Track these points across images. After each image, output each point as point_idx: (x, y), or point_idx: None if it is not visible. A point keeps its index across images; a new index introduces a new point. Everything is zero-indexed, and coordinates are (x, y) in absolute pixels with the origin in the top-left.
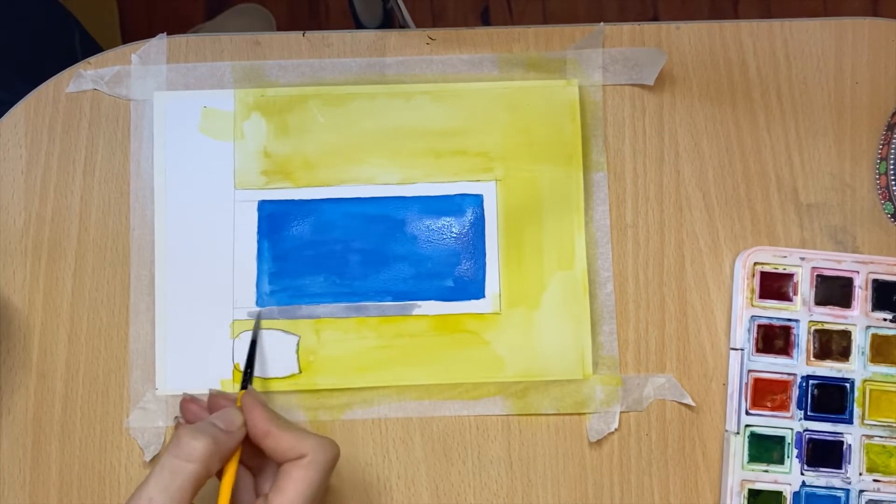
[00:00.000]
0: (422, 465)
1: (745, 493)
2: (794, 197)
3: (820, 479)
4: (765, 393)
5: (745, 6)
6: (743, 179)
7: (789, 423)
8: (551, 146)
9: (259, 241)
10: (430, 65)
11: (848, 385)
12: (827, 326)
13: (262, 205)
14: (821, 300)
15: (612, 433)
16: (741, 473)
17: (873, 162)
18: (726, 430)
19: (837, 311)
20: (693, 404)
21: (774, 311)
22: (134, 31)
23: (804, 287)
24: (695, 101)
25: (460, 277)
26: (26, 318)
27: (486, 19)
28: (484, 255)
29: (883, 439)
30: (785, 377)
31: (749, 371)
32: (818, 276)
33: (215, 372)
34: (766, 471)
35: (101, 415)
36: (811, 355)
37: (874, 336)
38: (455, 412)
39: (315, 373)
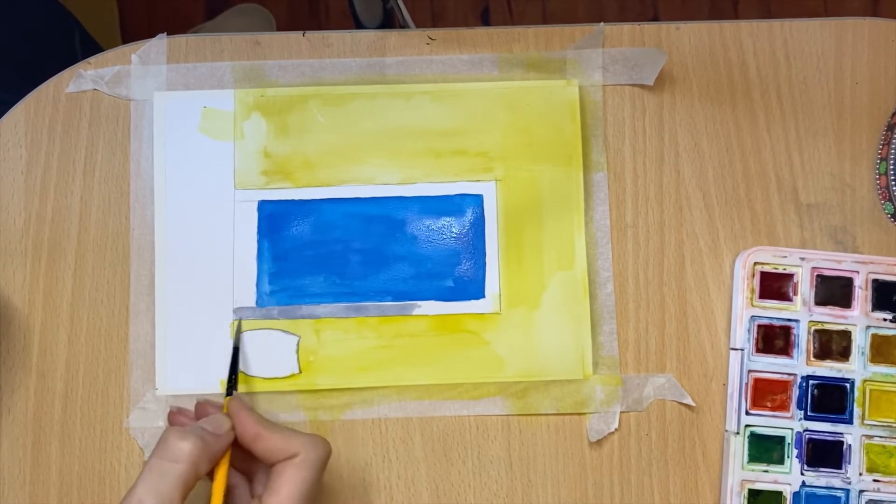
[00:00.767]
0: (422, 465)
1: (745, 493)
2: (794, 197)
3: (820, 479)
4: (765, 393)
5: (745, 6)
6: (743, 179)
7: (789, 423)
8: (551, 146)
9: (259, 241)
10: (430, 65)
11: (848, 385)
12: (827, 326)
13: (262, 205)
14: (821, 300)
15: (612, 433)
16: (741, 473)
17: (873, 162)
18: (726, 430)
19: (837, 311)
20: (693, 404)
21: (774, 311)
22: (134, 31)
23: (804, 287)
24: (695, 101)
25: (460, 277)
26: (26, 318)
27: (486, 19)
28: (484, 255)
29: (883, 439)
30: (785, 377)
31: (749, 371)
32: (818, 276)
33: (215, 372)
34: (766, 471)
35: (101, 415)
36: (811, 355)
37: (874, 336)
38: (455, 412)
39: (315, 373)
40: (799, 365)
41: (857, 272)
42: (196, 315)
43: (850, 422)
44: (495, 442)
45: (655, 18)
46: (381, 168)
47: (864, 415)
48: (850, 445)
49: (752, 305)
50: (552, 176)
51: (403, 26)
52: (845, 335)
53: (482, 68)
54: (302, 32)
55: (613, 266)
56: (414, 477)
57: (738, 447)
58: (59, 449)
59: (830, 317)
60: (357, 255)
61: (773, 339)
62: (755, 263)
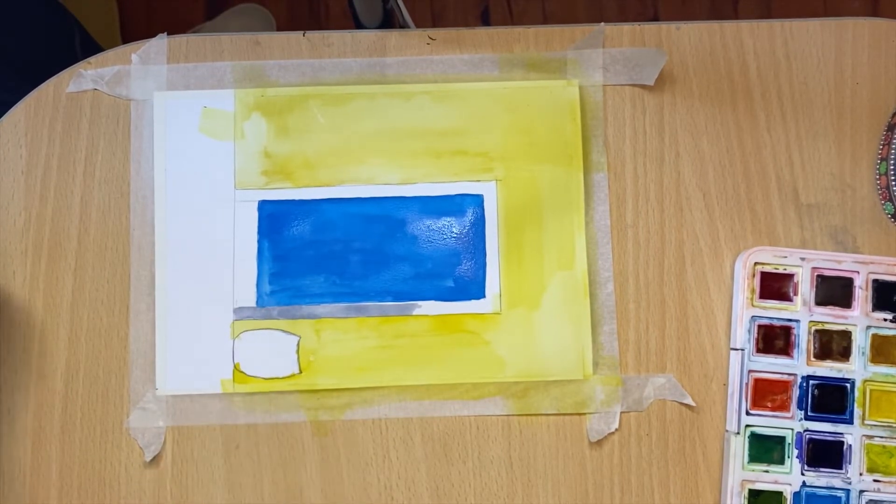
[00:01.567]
0: (422, 466)
1: (746, 493)
2: (794, 197)
3: (820, 479)
4: (765, 393)
5: (745, 6)
6: (743, 180)
7: (790, 424)
8: (551, 146)
9: (259, 241)
10: (430, 65)
11: (848, 385)
12: (827, 326)
13: (263, 205)
14: (821, 300)
15: (613, 433)
16: (741, 473)
17: (873, 162)
18: (726, 431)
19: (838, 311)
20: (693, 404)
21: (775, 311)
22: (134, 31)
23: (804, 287)
24: (695, 102)
25: (460, 277)
26: (26, 318)
27: (486, 19)
28: (484, 255)
29: (883, 439)
30: (785, 377)
31: (749, 371)
32: (818, 276)
33: (216, 372)
34: (767, 471)
35: (101, 415)
36: (811, 355)
37: (874, 336)
38: (455, 412)
39: (315, 373)
40: (799, 365)
41: (858, 272)
42: (196, 315)
43: (850, 422)
44: (495, 442)
45: (655, 18)
46: (382, 168)
47: (864, 415)
48: (850, 445)
49: (753, 305)
50: (552, 176)
51: (403, 26)
52: (845, 335)
53: (482, 68)
54: (302, 32)
55: (614, 266)
56: (414, 477)
57: (739, 447)
58: (59, 449)
59: (831, 317)
60: (357, 255)
61: (774, 339)
62: (755, 263)
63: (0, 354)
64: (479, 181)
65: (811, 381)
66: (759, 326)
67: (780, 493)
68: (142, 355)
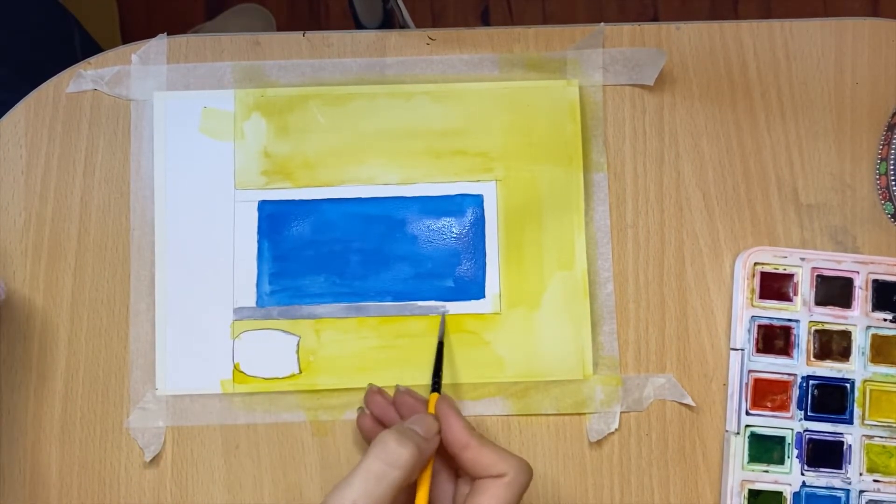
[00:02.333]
0: None
1: (746, 493)
2: (794, 197)
3: (820, 479)
4: (765, 393)
5: (745, 6)
6: (743, 179)
7: (789, 424)
8: (551, 146)
9: (259, 242)
10: (430, 65)
11: (848, 385)
12: (827, 327)
13: (263, 205)
14: (821, 300)
15: (613, 433)
16: (741, 474)
17: (873, 162)
18: (726, 431)
19: (837, 311)
20: (693, 404)
21: (775, 311)
22: (134, 31)
23: (804, 287)
24: (695, 102)
25: (460, 277)
26: (26, 318)
27: (486, 19)
28: (484, 255)
29: (883, 439)
30: (785, 377)
31: (749, 371)
32: (818, 276)
33: (215, 372)
34: (767, 471)
35: (101, 415)
36: (811, 355)
37: (874, 336)
38: None
39: (315, 373)
40: (799, 365)
41: (858, 272)
42: (196, 315)
43: (850, 422)
44: (496, 442)
45: (655, 18)
46: (382, 168)
47: (864, 415)
48: (850, 446)
49: (753, 305)
50: (552, 176)
51: (403, 26)
52: (845, 335)
53: (482, 68)
54: (302, 32)
55: (613, 266)
56: None
57: (739, 447)
58: (59, 449)
59: (830, 317)
60: (357, 255)
61: (774, 339)
62: (755, 263)
63: (0, 354)
64: (478, 181)
65: (811, 381)
66: (759, 326)
67: (779, 493)
68: (142, 355)
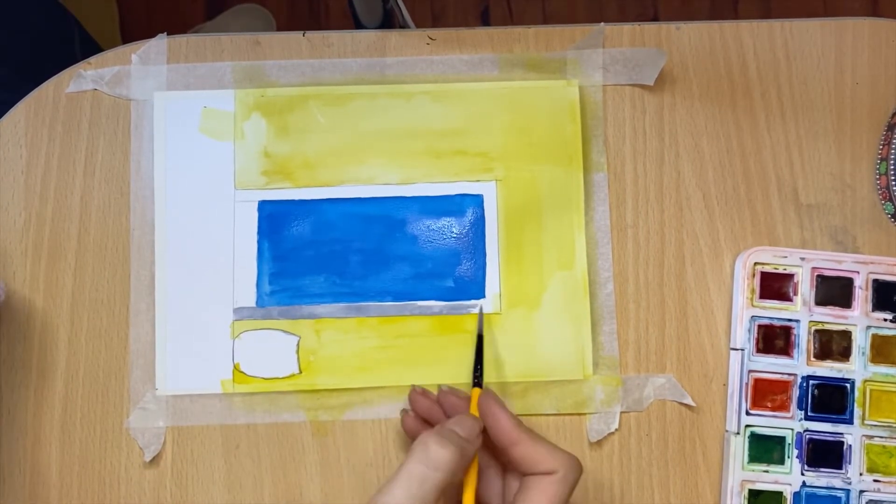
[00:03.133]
0: None
1: (746, 493)
2: (794, 197)
3: (820, 479)
4: (765, 393)
5: (745, 6)
6: (743, 179)
7: (789, 424)
8: (551, 146)
9: (259, 242)
10: (430, 65)
11: (848, 385)
12: (827, 326)
13: (263, 205)
14: (821, 300)
15: (613, 433)
16: (741, 474)
17: (873, 162)
18: (726, 431)
19: (838, 311)
20: (693, 404)
21: (775, 311)
22: (134, 31)
23: (804, 287)
24: (695, 102)
25: (460, 277)
26: (26, 319)
27: (486, 19)
28: (484, 255)
29: (883, 439)
30: (785, 377)
31: (749, 371)
32: (818, 276)
33: (215, 372)
34: (767, 471)
35: (101, 415)
36: (811, 355)
37: (874, 336)
38: None
39: (315, 373)
40: (799, 365)
41: (858, 272)
42: (196, 315)
43: (850, 422)
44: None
45: (655, 18)
46: (382, 168)
47: (864, 415)
48: (850, 446)
49: (753, 305)
50: (552, 176)
51: (403, 26)
52: (845, 335)
53: (482, 68)
54: (302, 32)
55: (613, 266)
56: None
57: (739, 447)
58: (59, 449)
59: (831, 317)
60: (357, 255)
61: (774, 339)
62: (755, 263)
63: (0, 354)
64: (478, 181)
65: (811, 381)
66: (759, 326)
67: (780, 493)
68: (142, 355)
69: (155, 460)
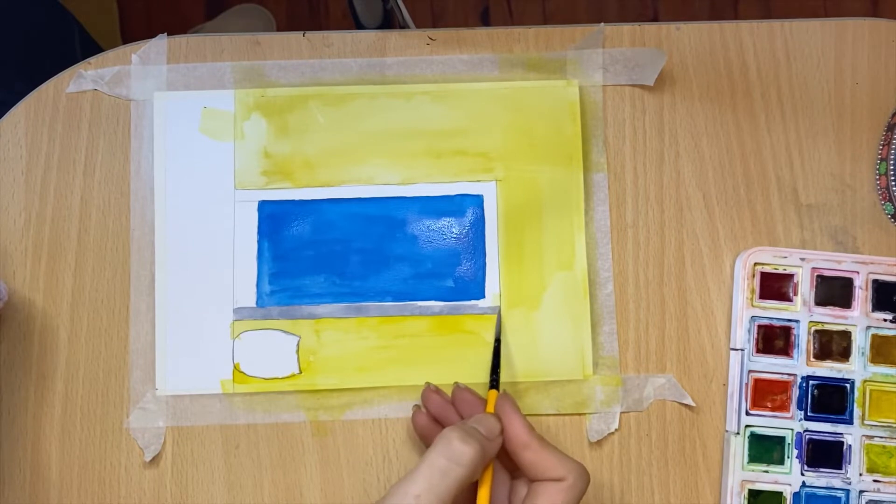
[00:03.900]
0: None
1: (746, 493)
2: (794, 197)
3: (820, 479)
4: (765, 393)
5: (745, 6)
6: (743, 180)
7: (789, 424)
8: (551, 146)
9: (259, 242)
10: (430, 65)
11: (848, 385)
12: (827, 327)
13: (263, 205)
14: (821, 300)
15: (613, 433)
16: (741, 474)
17: (873, 162)
18: (726, 431)
19: (837, 311)
20: (693, 405)
21: (774, 311)
22: (134, 31)
23: (804, 287)
24: (695, 102)
25: (460, 277)
26: (26, 318)
27: (486, 20)
28: (484, 255)
29: (883, 440)
30: (785, 377)
31: (749, 371)
32: (818, 276)
33: (215, 372)
34: (767, 471)
35: (101, 415)
36: (811, 356)
37: (874, 336)
38: None
39: (315, 373)
40: (799, 365)
41: (858, 272)
42: (196, 315)
43: (850, 422)
44: None
45: (655, 18)
46: (382, 168)
47: (864, 415)
48: (850, 446)
49: (753, 306)
50: (552, 176)
51: (403, 26)
52: (845, 335)
53: (482, 69)
54: (302, 33)
55: (613, 266)
56: None
57: (738, 447)
58: (59, 449)
59: (830, 317)
60: (357, 255)
61: (774, 339)
62: (755, 264)
63: (0, 354)
64: (479, 181)
65: (811, 382)
66: (759, 327)
67: (779, 494)
68: (142, 355)
69: (155, 460)
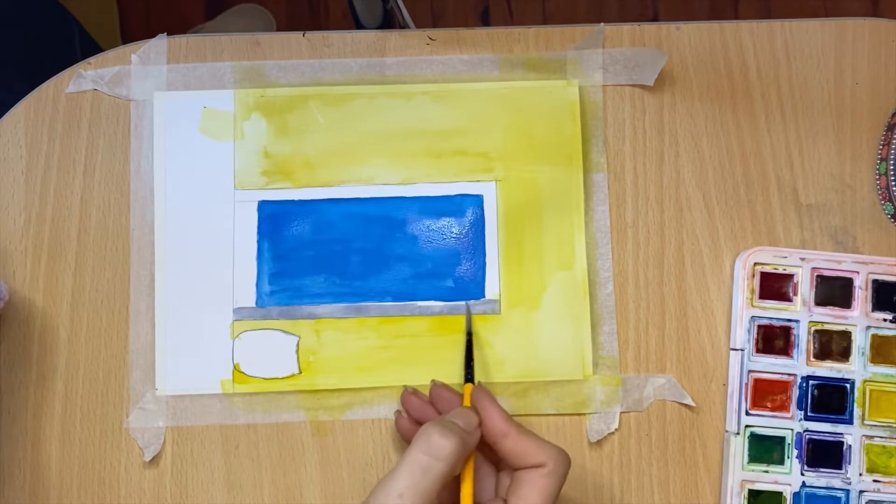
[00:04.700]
0: None
1: (745, 493)
2: (794, 197)
3: (820, 479)
4: (765, 393)
5: (745, 6)
6: (743, 180)
7: (789, 424)
8: (551, 146)
9: (259, 242)
10: (430, 65)
11: (848, 385)
12: (827, 327)
13: (262, 205)
14: (821, 300)
15: (613, 433)
16: (741, 474)
17: (873, 162)
18: (726, 431)
19: (837, 311)
20: (693, 405)
21: (774, 311)
22: (134, 31)
23: (804, 287)
24: (695, 102)
25: (460, 278)
26: (26, 318)
27: (485, 20)
28: (484, 255)
29: (883, 440)
30: (785, 377)
31: (749, 371)
32: (818, 276)
33: (215, 372)
34: (766, 471)
35: (101, 415)
36: (811, 356)
37: (874, 336)
38: None
39: (315, 373)
40: (799, 365)
41: (857, 272)
42: (196, 315)
43: (850, 422)
44: None
45: (655, 18)
46: (382, 168)
47: (864, 415)
48: (850, 446)
49: (752, 306)
50: (552, 176)
51: (403, 27)
52: (845, 335)
53: (482, 69)
54: (302, 33)
55: (613, 266)
56: None
57: (738, 447)
58: (59, 449)
59: (830, 317)
60: (357, 255)
61: (773, 339)
62: (755, 264)
63: (0, 354)
64: (478, 181)
65: (811, 382)
66: (759, 327)
67: (779, 494)
68: (141, 355)
69: (155, 460)
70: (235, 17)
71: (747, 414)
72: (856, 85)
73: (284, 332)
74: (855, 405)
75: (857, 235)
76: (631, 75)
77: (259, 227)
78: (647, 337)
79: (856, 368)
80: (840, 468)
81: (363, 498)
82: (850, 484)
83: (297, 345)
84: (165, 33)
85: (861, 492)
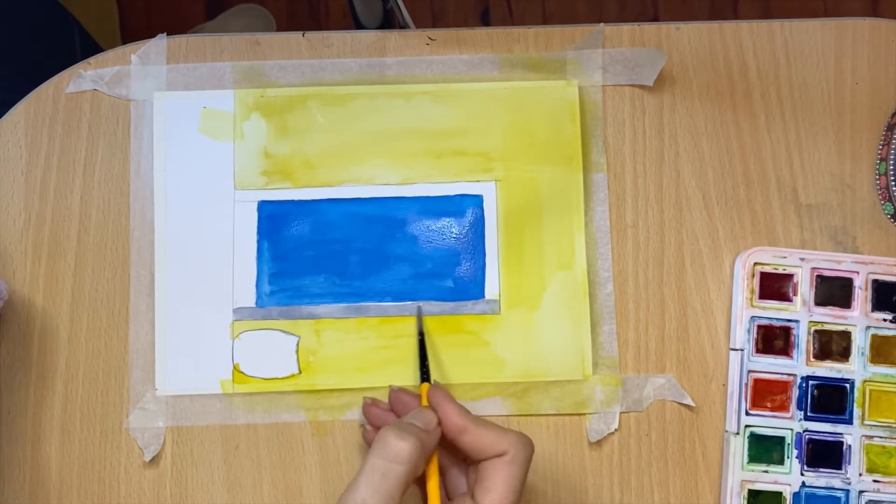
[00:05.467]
0: None
1: (745, 493)
2: (793, 197)
3: (820, 479)
4: (765, 393)
5: (745, 6)
6: (743, 180)
7: (789, 424)
8: (551, 147)
9: (259, 242)
10: (430, 65)
11: (848, 385)
12: (827, 327)
13: (262, 205)
14: (821, 300)
15: (612, 433)
16: (741, 474)
17: (873, 162)
18: (726, 431)
19: (837, 311)
20: (693, 405)
21: (774, 311)
22: (134, 31)
23: (804, 287)
24: (695, 102)
25: (460, 278)
26: (26, 318)
27: (485, 20)
28: (484, 255)
29: (883, 440)
30: (785, 378)
31: (749, 371)
32: (818, 276)
33: (215, 372)
34: (766, 471)
35: (101, 415)
36: (811, 356)
37: (874, 336)
38: None
39: (315, 373)
40: (799, 365)
41: (857, 272)
42: (196, 315)
43: (849, 422)
44: None
45: (655, 18)
46: (381, 168)
47: (863, 415)
48: (849, 446)
49: (752, 306)
50: (552, 176)
51: (403, 27)
52: (845, 335)
53: (482, 69)
54: (302, 33)
55: (613, 266)
56: None
57: (738, 447)
58: (59, 449)
59: (830, 317)
60: (357, 255)
61: (773, 339)
62: (755, 264)
63: (0, 354)
64: (478, 181)
65: (811, 382)
66: (759, 327)
67: (779, 494)
68: (141, 355)
69: (154, 460)
70: (235, 17)
71: (747, 414)
72: (856, 85)
73: (284, 332)
74: (855, 405)
75: (857, 235)
76: (631, 75)
77: (259, 227)
78: (647, 337)
79: (856, 368)
80: (840, 468)
81: None
82: (849, 484)
83: (297, 345)
84: (165, 33)
85: (861, 492)
